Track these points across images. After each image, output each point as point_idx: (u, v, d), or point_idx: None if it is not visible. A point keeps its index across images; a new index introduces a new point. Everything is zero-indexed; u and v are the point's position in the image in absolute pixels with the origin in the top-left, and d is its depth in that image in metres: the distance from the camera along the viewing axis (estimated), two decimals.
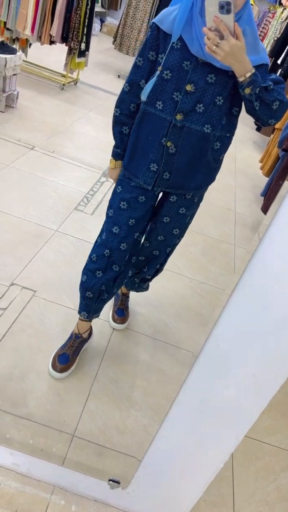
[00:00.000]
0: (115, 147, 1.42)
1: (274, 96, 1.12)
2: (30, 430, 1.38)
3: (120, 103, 1.33)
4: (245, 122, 5.74)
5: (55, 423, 1.43)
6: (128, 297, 1.95)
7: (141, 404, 1.60)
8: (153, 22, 1.18)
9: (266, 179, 3.79)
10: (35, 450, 1.33)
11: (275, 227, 0.72)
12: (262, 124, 1.22)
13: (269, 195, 3.13)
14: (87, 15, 4.37)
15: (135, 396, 1.63)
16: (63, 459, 1.33)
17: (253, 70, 1.08)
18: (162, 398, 1.65)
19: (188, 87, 1.17)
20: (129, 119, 1.34)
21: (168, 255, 1.64)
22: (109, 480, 1.22)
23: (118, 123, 1.37)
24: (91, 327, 1.69)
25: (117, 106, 1.34)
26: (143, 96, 1.23)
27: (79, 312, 1.59)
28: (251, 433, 1.65)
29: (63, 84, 4.71)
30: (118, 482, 1.22)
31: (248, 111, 1.20)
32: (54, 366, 1.58)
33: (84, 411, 1.50)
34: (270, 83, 1.12)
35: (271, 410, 1.78)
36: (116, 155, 1.43)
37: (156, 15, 5.32)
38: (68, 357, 1.59)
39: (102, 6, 8.59)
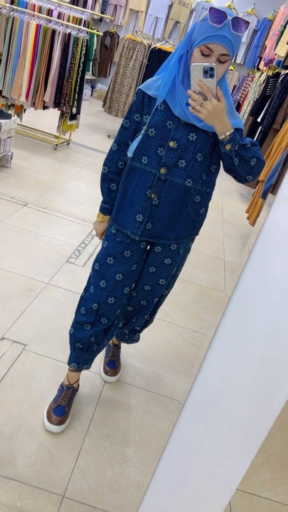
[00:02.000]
0: (103, 202, 1.49)
1: (251, 153, 1.23)
2: (18, 491, 1.33)
3: (108, 162, 1.43)
4: (230, 176, 6.01)
5: (45, 484, 1.37)
6: (119, 348, 1.94)
7: (134, 460, 1.55)
8: (139, 89, 1.32)
9: (253, 229, 3.90)
10: None
11: (250, 269, 0.76)
12: (240, 180, 1.31)
13: None
14: (78, 83, 4.70)
15: (128, 451, 1.57)
16: None
17: (232, 130, 1.19)
18: (156, 452, 1.59)
19: (171, 144, 1.27)
20: (116, 176, 1.44)
21: (156, 305, 1.66)
22: None
23: (106, 180, 1.46)
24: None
25: (105, 165, 1.44)
26: (130, 153, 1.34)
27: (69, 363, 1.58)
28: (250, 487, 1.58)
29: (56, 145, 4.95)
30: None
31: (227, 168, 1.30)
32: (50, 420, 1.54)
33: (75, 469, 1.45)
34: (248, 142, 1.23)
35: (270, 463, 1.72)
36: (103, 210, 1.50)
37: (142, 81, 5.73)
38: (63, 408, 1.57)
39: (93, 74, 9.22)
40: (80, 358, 1.55)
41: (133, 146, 1.32)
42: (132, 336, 1.80)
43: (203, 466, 0.95)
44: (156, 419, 1.74)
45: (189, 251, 1.55)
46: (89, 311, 1.49)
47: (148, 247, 1.50)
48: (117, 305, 1.49)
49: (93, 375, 1.85)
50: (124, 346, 2.03)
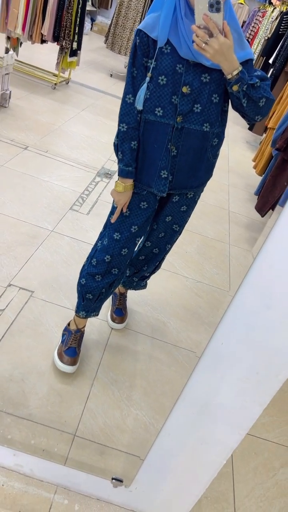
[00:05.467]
0: (125, 165, 1.30)
1: (260, 93, 1.15)
2: (31, 430, 1.39)
3: (125, 117, 1.26)
4: (237, 122, 5.77)
5: (56, 423, 1.44)
6: (126, 296, 1.95)
7: (141, 403, 1.61)
8: (140, 30, 1.16)
9: (259, 178, 3.82)
10: (37, 450, 1.33)
11: (279, 229, 0.74)
12: (249, 120, 1.24)
13: (262, 194, 3.15)
14: (79, 14, 4.37)
15: (134, 395, 1.64)
16: (65, 459, 1.34)
17: (240, 68, 1.10)
18: (162, 396, 1.66)
19: (184, 89, 1.18)
20: (137, 132, 1.28)
21: (166, 252, 1.65)
22: (112, 478, 1.23)
23: (127, 139, 1.28)
24: None
25: (122, 121, 1.26)
26: (139, 105, 1.22)
27: (77, 312, 1.60)
28: (250, 429, 1.67)
29: (55, 84, 4.69)
30: (121, 481, 1.23)
31: (235, 108, 1.21)
32: (63, 360, 1.58)
33: (85, 411, 1.51)
34: (257, 80, 1.14)
35: (269, 408, 1.79)
36: (128, 174, 1.32)
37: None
38: (75, 350, 1.61)
39: (93, 4, 8.56)
40: (89, 307, 1.56)
41: (140, 97, 1.21)
42: (140, 283, 1.81)
43: (216, 414, 0.99)
44: (161, 365, 1.80)
45: (199, 197, 1.51)
46: (100, 263, 1.47)
47: (164, 197, 1.45)
48: (129, 255, 1.48)
49: (100, 322, 1.88)
50: (130, 294, 2.04)
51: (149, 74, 1.18)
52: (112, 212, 1.44)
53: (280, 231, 0.73)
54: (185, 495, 1.19)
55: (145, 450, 1.16)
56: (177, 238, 1.62)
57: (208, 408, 0.98)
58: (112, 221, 1.42)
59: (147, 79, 1.19)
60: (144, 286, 1.86)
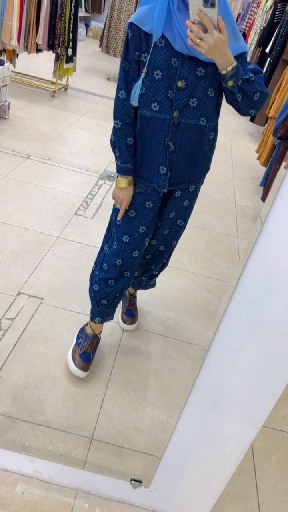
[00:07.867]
0: (123, 162, 1.30)
1: (255, 87, 1.14)
2: (48, 436, 1.39)
3: (120, 113, 1.26)
4: (238, 114, 5.74)
5: (73, 428, 1.44)
6: (135, 297, 1.95)
7: (157, 403, 1.60)
8: (132, 23, 1.15)
9: (264, 169, 3.78)
10: (55, 455, 1.33)
11: (274, 215, 0.72)
12: (243, 114, 1.24)
13: (268, 185, 3.12)
14: (72, 21, 4.39)
15: (150, 395, 1.63)
16: (84, 462, 1.33)
17: (235, 63, 1.08)
18: (177, 394, 1.65)
19: (179, 83, 1.17)
20: (132, 128, 1.27)
21: (173, 248, 1.64)
22: (131, 479, 1.22)
23: (122, 136, 1.28)
24: None
25: (116, 118, 1.27)
26: (134, 101, 1.21)
27: (93, 318, 1.59)
28: (270, 422, 1.64)
29: (53, 91, 4.72)
30: (140, 481, 1.22)
31: (230, 102, 1.21)
32: (76, 363, 1.58)
33: (101, 414, 1.51)
34: (251, 74, 1.13)
35: None
36: (127, 171, 1.32)
37: None
38: (89, 355, 1.61)
39: (86, 10, 8.60)
40: (104, 312, 1.56)
41: (135, 92, 1.20)
42: (149, 282, 1.80)
43: (228, 408, 0.97)
44: (175, 363, 1.78)
45: (200, 189, 1.50)
46: (111, 267, 1.46)
47: (166, 193, 1.44)
48: (139, 257, 1.47)
49: (112, 325, 1.88)
50: (140, 294, 2.04)
51: (144, 70, 1.17)
52: (114, 215, 1.43)
53: (274, 218, 0.72)
54: (205, 492, 1.17)
55: (162, 449, 1.15)
56: (182, 233, 1.61)
57: (220, 402, 0.97)
58: (118, 218, 1.40)
59: (143, 74, 1.18)
60: (153, 285, 1.85)
